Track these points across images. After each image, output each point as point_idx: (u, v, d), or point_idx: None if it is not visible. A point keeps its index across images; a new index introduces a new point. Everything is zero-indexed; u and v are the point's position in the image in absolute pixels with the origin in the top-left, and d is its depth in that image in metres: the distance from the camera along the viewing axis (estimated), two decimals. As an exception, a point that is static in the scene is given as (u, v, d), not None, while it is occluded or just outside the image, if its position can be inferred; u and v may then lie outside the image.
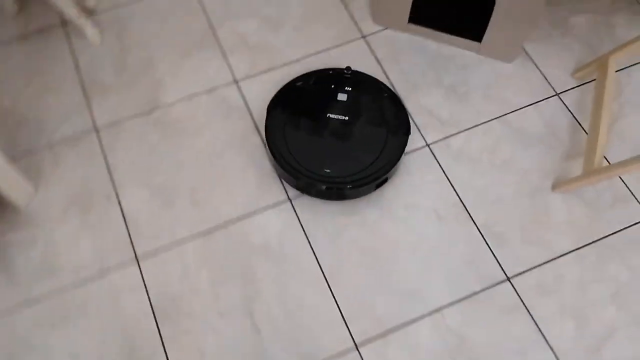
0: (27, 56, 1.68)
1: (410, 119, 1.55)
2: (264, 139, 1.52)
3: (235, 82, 1.65)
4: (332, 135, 1.47)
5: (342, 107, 1.51)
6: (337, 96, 1.53)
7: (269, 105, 1.52)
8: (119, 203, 1.48)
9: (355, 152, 1.45)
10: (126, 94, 1.62)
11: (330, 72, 1.57)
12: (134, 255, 1.42)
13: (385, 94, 1.54)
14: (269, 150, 1.47)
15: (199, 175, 1.51)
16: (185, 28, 1.74)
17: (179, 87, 1.64)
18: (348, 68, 1.55)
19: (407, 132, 1.48)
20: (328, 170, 1.43)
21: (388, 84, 1.64)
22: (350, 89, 1.54)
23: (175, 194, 1.49)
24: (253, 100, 1.62)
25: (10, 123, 1.58)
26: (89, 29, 1.66)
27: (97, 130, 1.57)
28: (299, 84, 1.55)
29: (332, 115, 1.49)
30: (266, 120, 1.49)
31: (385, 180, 1.47)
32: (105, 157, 1.53)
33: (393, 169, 1.45)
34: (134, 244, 1.43)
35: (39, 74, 1.65)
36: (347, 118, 1.49)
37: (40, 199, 1.48)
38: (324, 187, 1.41)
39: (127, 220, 1.46)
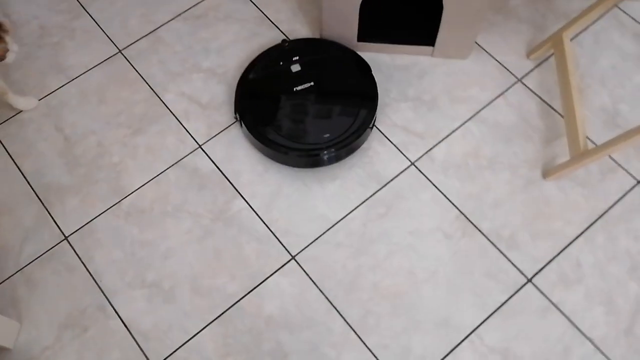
0: (-39, 176, 1.51)
1: (367, 65, 1.58)
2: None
3: (199, 147, 1.55)
4: (310, 103, 1.51)
5: (302, 77, 1.54)
6: (291, 69, 1.55)
7: (236, 111, 1.52)
8: (117, 313, 1.36)
9: (338, 108, 1.50)
10: (87, 190, 1.49)
11: (276, 49, 1.59)
12: (149, 364, 1.32)
13: (332, 47, 1.59)
14: (263, 146, 1.47)
15: (193, 260, 1.41)
16: (127, 101, 1.60)
17: (142, 168, 1.52)
18: (284, 40, 1.60)
19: (369, 69, 1.55)
20: (327, 135, 1.46)
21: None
22: (297, 57, 1.57)
23: (174, 287, 1.39)
24: (223, 161, 1.53)
25: (-34, 256, 1.42)
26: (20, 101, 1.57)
27: (67, 239, 1.43)
28: (251, 76, 1.55)
29: (298, 88, 1.52)
30: (246, 126, 1.49)
31: (375, 120, 1.54)
32: (85, 266, 1.41)
33: (377, 109, 1.52)
34: (146, 353, 1.32)
35: (-18, 193, 1.49)
36: (312, 83, 1.53)
37: (29, 330, 1.34)
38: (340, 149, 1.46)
39: (130, 330, 1.34)
